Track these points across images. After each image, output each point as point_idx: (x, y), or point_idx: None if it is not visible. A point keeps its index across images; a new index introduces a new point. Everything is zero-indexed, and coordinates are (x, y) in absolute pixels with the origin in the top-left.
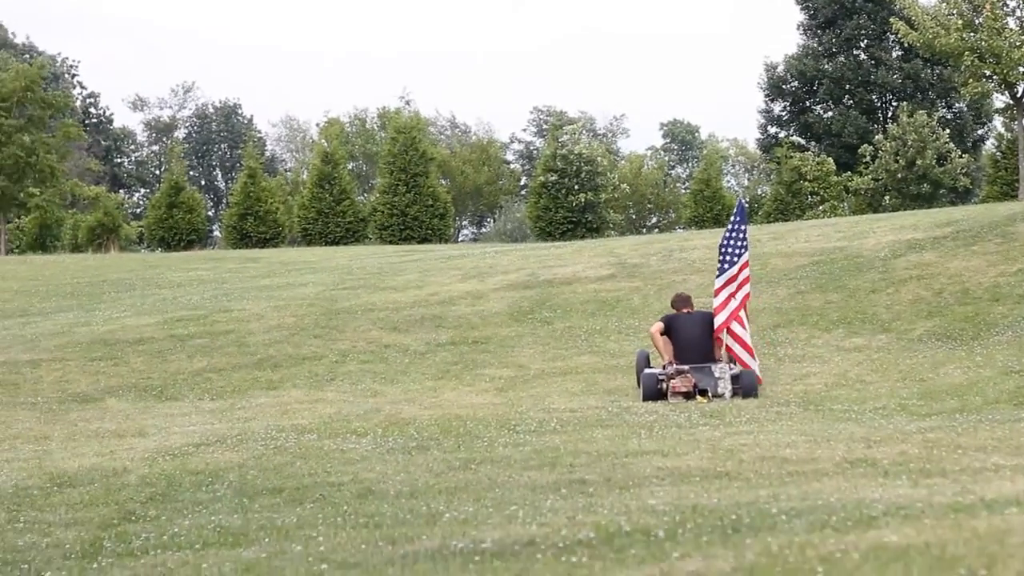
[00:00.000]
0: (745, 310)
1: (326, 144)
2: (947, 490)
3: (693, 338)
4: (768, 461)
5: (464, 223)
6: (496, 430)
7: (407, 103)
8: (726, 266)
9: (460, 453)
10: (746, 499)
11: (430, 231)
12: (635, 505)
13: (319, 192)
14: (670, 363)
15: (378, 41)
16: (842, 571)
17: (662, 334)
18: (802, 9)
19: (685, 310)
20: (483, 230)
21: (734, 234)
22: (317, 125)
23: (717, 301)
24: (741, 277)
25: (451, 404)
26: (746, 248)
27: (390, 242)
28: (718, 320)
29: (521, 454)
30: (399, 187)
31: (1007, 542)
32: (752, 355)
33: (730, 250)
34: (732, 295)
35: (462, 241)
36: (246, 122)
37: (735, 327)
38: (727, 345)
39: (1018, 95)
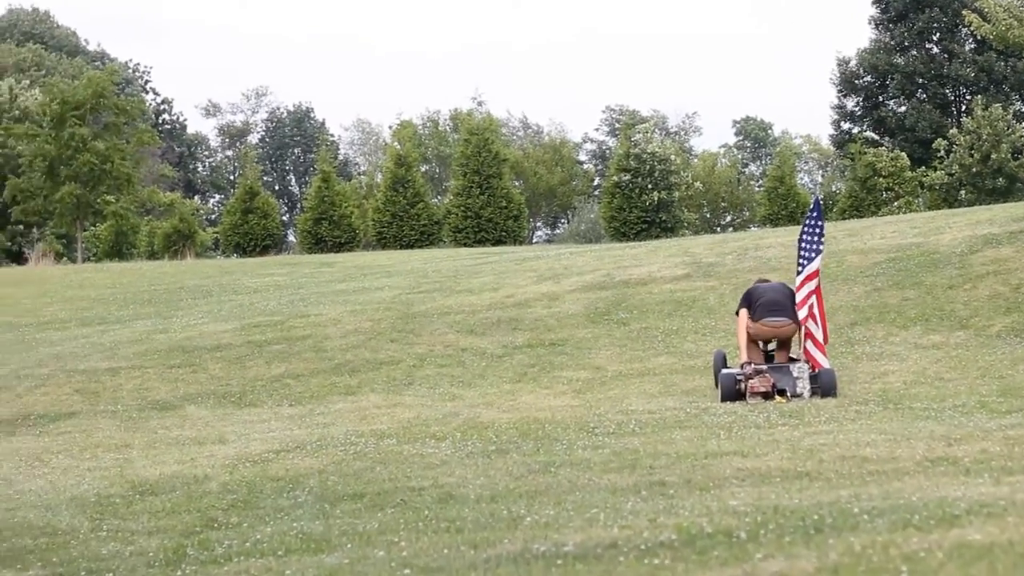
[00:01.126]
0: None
1: (399, 147)
2: None
3: (774, 299)
4: (848, 460)
5: (538, 224)
6: (575, 433)
7: (479, 104)
8: (804, 262)
9: (539, 456)
10: (827, 499)
11: (504, 233)
12: (716, 506)
13: (393, 195)
14: (748, 362)
15: (449, 41)
16: (926, 570)
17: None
18: (874, 3)
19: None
20: (557, 231)
21: (812, 231)
22: (389, 128)
23: (798, 298)
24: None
25: (529, 407)
26: (823, 244)
27: (465, 244)
28: (801, 313)
29: (600, 456)
30: (473, 189)
31: None
32: (824, 353)
33: (809, 247)
34: (812, 292)
35: (536, 243)
36: (319, 126)
37: (810, 325)
38: (804, 347)
39: None
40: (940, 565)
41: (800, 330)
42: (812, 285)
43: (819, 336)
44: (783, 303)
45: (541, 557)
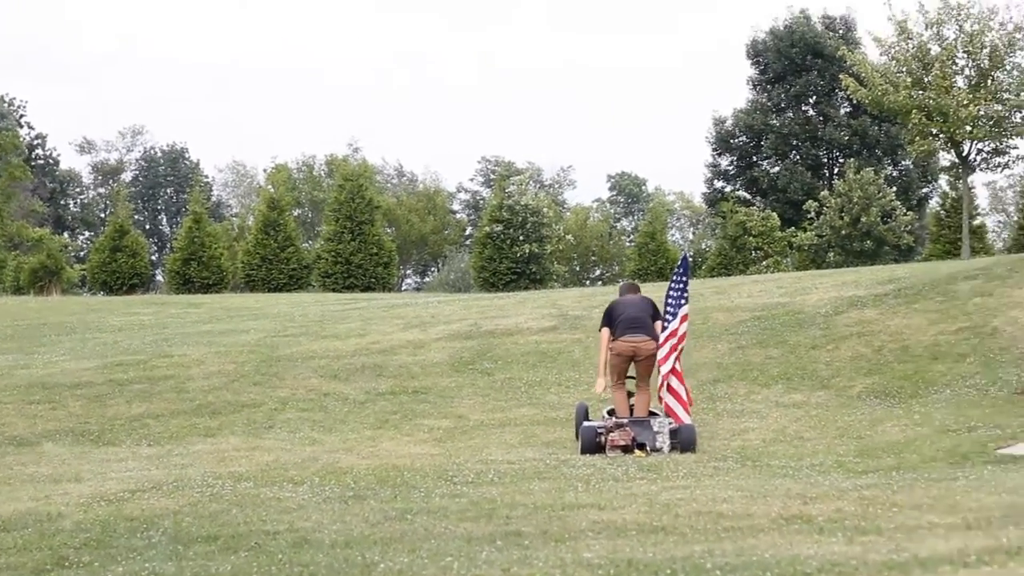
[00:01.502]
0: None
1: (272, 190)
2: (882, 548)
3: (634, 316)
4: (704, 516)
5: (408, 272)
6: (433, 481)
7: (355, 150)
8: (669, 318)
9: (397, 503)
10: (681, 554)
11: (374, 279)
12: (570, 558)
13: (264, 238)
14: (609, 415)
15: (327, 84)
16: None
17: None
18: (753, 64)
19: (629, 295)
20: (427, 279)
21: (678, 287)
22: (264, 171)
23: (660, 354)
24: (681, 331)
25: (389, 454)
26: (686, 301)
27: (333, 290)
28: (662, 371)
29: (458, 505)
30: (344, 235)
31: None
32: (686, 410)
33: (671, 303)
34: (674, 348)
35: (406, 290)
36: (193, 166)
37: (673, 382)
38: (665, 402)
39: (964, 154)
40: None
41: (663, 390)
42: (675, 341)
43: (682, 393)
44: (643, 320)
45: None
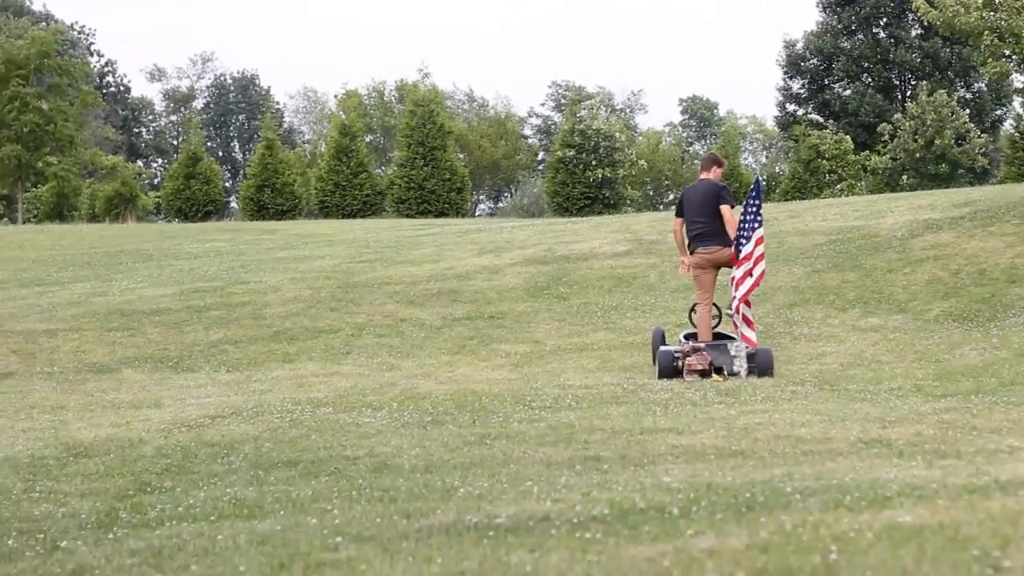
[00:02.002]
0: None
1: (344, 116)
2: (961, 471)
3: (695, 219)
4: (782, 440)
5: (481, 198)
6: (511, 406)
7: (425, 76)
8: (743, 242)
9: (475, 428)
10: (760, 478)
11: (447, 205)
12: (649, 482)
13: (336, 164)
14: (686, 340)
15: (397, 11)
16: (855, 550)
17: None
18: None
19: (701, 176)
20: (500, 205)
21: (750, 211)
22: (335, 97)
23: (737, 275)
24: (756, 254)
25: (466, 379)
26: (761, 224)
27: (407, 216)
28: (735, 294)
29: (536, 430)
30: (416, 160)
31: (1021, 523)
32: (751, 328)
33: (745, 227)
34: (748, 272)
35: (479, 216)
36: (264, 93)
37: (744, 309)
38: (734, 323)
39: None
40: (870, 546)
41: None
42: (749, 265)
43: (750, 315)
44: (707, 224)
45: (473, 528)
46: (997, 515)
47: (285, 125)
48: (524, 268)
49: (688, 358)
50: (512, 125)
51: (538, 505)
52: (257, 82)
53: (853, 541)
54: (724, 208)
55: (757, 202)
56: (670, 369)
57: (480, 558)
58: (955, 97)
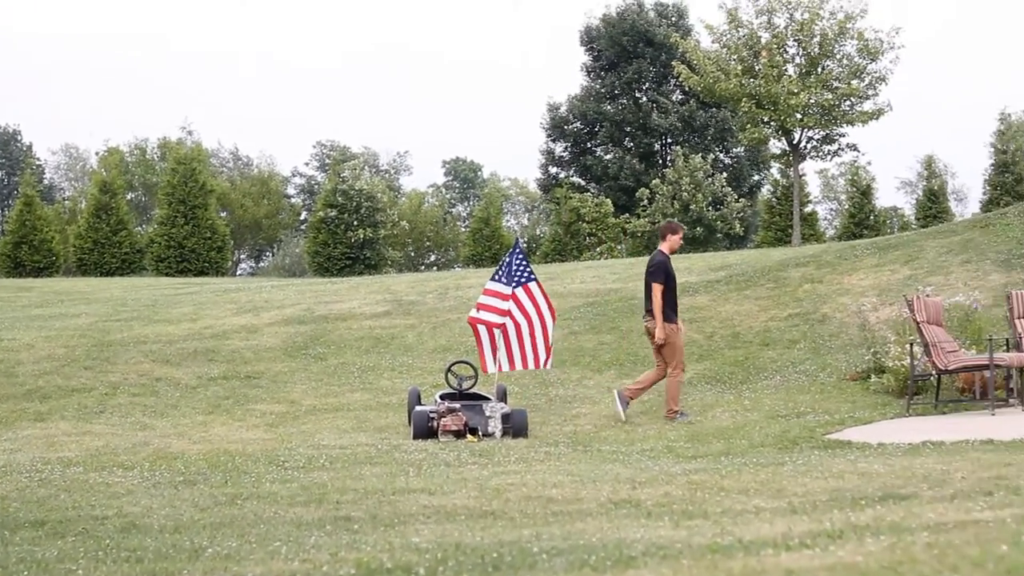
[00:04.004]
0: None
1: (104, 173)
2: (707, 531)
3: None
4: (534, 500)
5: (243, 257)
6: (264, 466)
7: (189, 133)
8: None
9: (227, 488)
10: (509, 538)
11: (208, 264)
12: (399, 542)
13: (96, 222)
14: (441, 400)
15: (164, 67)
16: None
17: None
18: (586, 51)
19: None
20: (262, 264)
21: (504, 267)
22: (97, 154)
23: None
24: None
25: (221, 439)
26: (520, 282)
27: (167, 274)
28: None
29: (288, 490)
30: (177, 219)
31: None
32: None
33: (503, 279)
34: (495, 321)
35: (240, 275)
36: (25, 149)
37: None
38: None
39: (794, 142)
40: None
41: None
42: (499, 304)
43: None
44: (648, 296)
45: None
46: (737, 574)
47: (46, 181)
48: (282, 328)
49: (443, 418)
50: (275, 184)
51: (286, 565)
52: (19, 138)
53: None
54: (655, 286)
55: (511, 259)
56: (425, 429)
57: None
58: (709, 159)
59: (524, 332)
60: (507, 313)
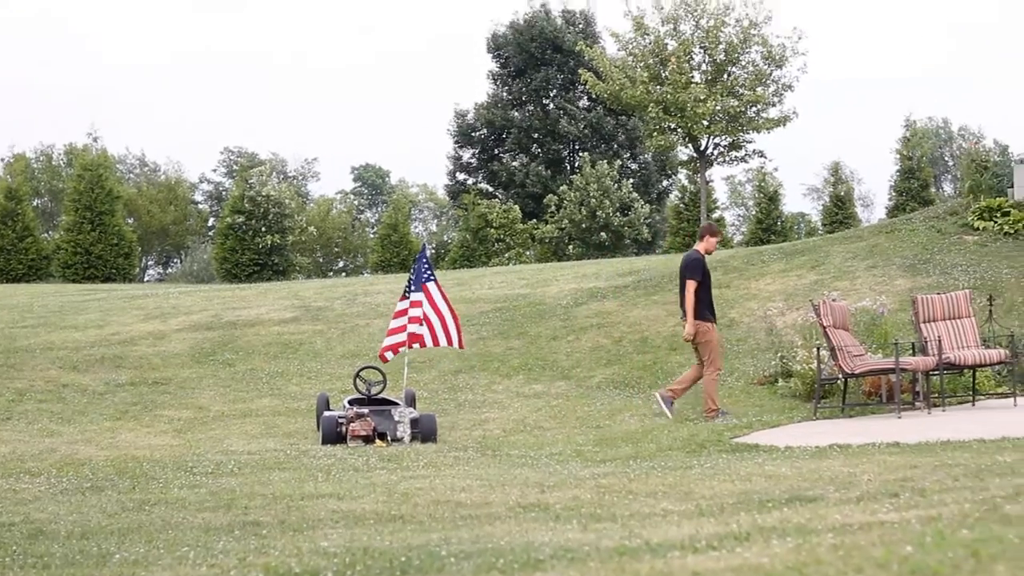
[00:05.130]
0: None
1: (10, 180)
2: (615, 534)
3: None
4: (442, 505)
5: (150, 263)
6: (172, 472)
7: (95, 140)
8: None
9: (135, 494)
10: (418, 542)
11: (115, 270)
12: (307, 547)
13: (1, 228)
14: (350, 405)
15: (70, 74)
16: None
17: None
18: (493, 58)
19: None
20: (169, 271)
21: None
22: (2, 160)
23: (392, 325)
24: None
25: (129, 445)
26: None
27: (74, 281)
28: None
29: (196, 496)
30: (84, 225)
31: None
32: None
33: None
34: (402, 327)
35: (148, 281)
36: None
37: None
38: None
39: (701, 148)
40: None
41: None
42: (403, 321)
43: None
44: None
45: None
46: None
47: None
48: (190, 334)
49: (352, 424)
50: (183, 191)
51: (193, 570)
52: None
53: None
54: (689, 284)
55: (418, 265)
56: (334, 435)
57: None
58: (616, 167)
59: (435, 321)
60: (418, 319)
